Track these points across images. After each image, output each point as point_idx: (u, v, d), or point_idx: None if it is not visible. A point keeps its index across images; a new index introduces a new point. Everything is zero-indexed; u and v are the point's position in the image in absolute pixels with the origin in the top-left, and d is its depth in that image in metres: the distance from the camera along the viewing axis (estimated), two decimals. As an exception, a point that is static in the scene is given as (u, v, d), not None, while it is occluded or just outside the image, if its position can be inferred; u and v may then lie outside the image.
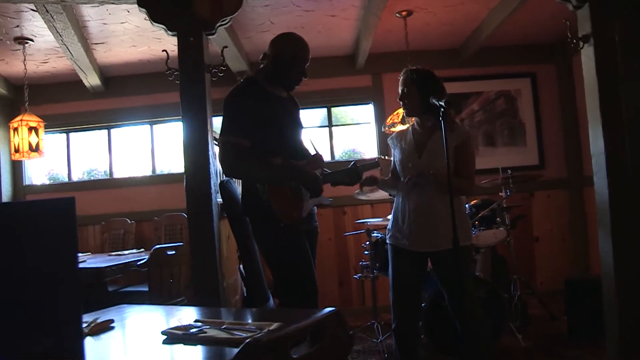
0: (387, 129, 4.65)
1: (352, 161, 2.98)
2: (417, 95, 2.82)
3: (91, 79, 5.42)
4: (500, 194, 4.49)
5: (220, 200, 3.23)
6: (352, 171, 2.89)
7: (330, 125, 6.02)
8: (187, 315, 1.70)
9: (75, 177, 6.16)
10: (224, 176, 3.05)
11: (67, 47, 4.44)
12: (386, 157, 3.29)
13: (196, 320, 1.43)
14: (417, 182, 2.80)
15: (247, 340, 0.94)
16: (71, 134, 6.10)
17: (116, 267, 3.74)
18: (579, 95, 5.61)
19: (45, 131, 5.92)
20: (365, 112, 6.11)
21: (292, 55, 2.72)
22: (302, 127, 2.94)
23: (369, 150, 6.14)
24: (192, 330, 1.31)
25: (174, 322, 1.46)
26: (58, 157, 6.14)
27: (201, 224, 3.23)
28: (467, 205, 4.20)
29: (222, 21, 3.33)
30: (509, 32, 5.22)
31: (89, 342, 1.32)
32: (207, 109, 3.27)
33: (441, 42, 5.47)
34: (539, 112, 5.78)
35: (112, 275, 3.74)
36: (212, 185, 3.24)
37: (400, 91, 2.90)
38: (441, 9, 4.61)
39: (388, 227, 3.02)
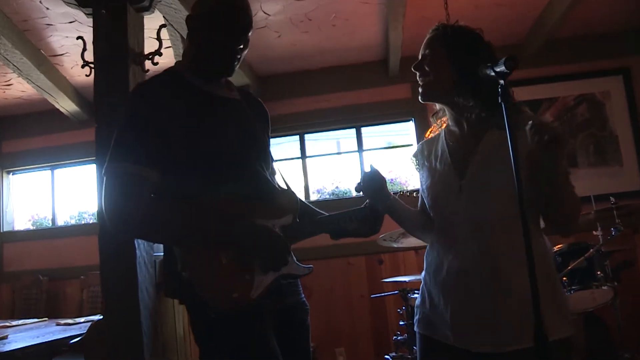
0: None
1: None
2: (447, 64, 1.58)
3: (65, 104, 4.47)
4: (594, 232, 3.10)
5: (160, 253, 2.09)
6: (363, 213, 1.70)
7: (360, 149, 4.79)
8: None
9: (62, 221, 5.22)
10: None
11: (6, 59, 3.48)
12: (415, 194, 2.09)
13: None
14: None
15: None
16: (56, 171, 5.20)
17: (34, 350, 2.62)
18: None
19: (26, 169, 5.18)
20: (405, 131, 4.87)
21: (208, 10, 1.58)
22: (264, 148, 1.75)
23: (413, 179, 4.87)
24: None
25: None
26: (43, 199, 5.24)
27: (120, 294, 2.08)
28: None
29: (156, -15, 2.24)
30: (588, 14, 3.89)
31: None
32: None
33: (498, 34, 4.16)
34: (637, 119, 4.33)
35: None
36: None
37: (419, 58, 1.67)
38: (495, -21, 3.36)
39: (417, 302, 1.74)
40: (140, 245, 2.11)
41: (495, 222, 1.51)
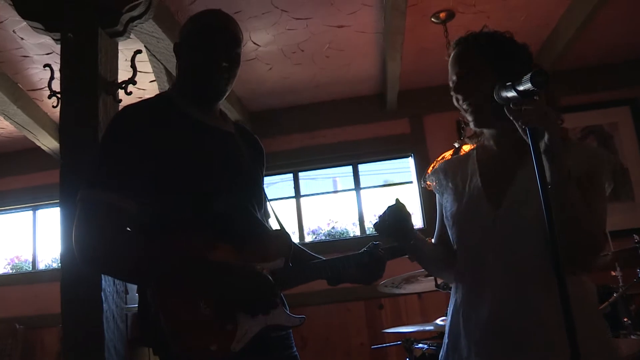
0: (428, 181, 3.15)
1: (372, 242, 1.58)
2: (490, 80, 1.28)
3: (46, 141, 4.26)
4: (613, 273, 2.85)
5: (134, 305, 1.84)
6: (364, 259, 1.54)
7: (357, 187, 4.55)
8: None
9: (44, 265, 4.93)
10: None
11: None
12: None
13: None
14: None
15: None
16: (38, 212, 4.94)
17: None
18: None
19: (7, 210, 4.93)
20: (404, 168, 4.65)
21: (188, 33, 1.51)
22: (257, 186, 1.58)
23: (413, 219, 4.61)
24: None
25: None
26: (23, 241, 4.97)
27: (83, 353, 1.81)
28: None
29: (130, 7, 2.04)
30: (593, 43, 3.74)
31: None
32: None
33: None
34: (647, 151, 4.13)
35: None
36: (105, 283, 1.84)
37: (455, 79, 1.39)
38: (496, 5, 3.20)
39: (441, 354, 1.46)
40: (109, 297, 1.85)
41: (534, 263, 1.24)
